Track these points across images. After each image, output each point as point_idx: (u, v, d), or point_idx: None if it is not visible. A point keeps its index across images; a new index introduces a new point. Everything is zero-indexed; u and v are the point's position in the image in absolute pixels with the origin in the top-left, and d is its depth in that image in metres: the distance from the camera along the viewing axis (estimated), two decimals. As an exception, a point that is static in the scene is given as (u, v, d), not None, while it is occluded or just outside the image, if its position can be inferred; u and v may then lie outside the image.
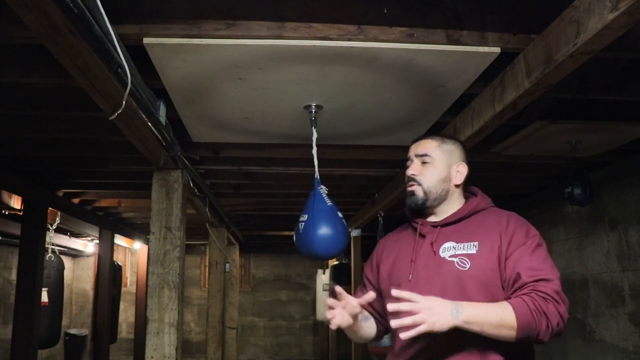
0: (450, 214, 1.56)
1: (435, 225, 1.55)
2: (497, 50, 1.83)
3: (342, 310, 1.48)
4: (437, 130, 2.82)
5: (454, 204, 1.58)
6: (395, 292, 1.33)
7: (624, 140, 2.98)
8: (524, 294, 1.33)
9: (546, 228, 4.55)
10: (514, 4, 1.80)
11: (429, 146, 1.59)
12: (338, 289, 1.48)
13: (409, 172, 1.59)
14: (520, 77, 1.86)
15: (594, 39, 1.44)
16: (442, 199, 1.56)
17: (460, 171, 1.59)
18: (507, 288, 1.39)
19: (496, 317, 1.30)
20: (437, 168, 1.57)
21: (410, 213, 1.66)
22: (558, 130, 2.71)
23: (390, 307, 1.33)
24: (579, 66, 1.65)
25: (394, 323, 1.31)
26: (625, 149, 3.26)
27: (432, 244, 1.51)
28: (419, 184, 1.56)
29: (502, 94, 2.02)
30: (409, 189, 1.58)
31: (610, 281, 3.84)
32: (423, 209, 1.57)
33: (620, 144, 3.03)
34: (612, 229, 3.82)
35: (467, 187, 1.63)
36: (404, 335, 1.29)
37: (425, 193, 1.55)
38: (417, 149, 1.61)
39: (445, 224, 1.54)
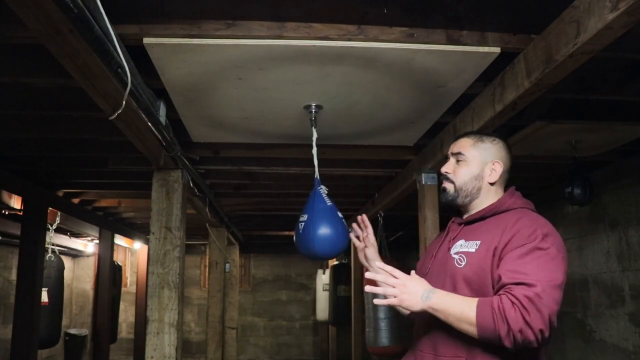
0: (473, 212, 1.59)
1: (461, 223, 1.60)
2: (497, 50, 1.83)
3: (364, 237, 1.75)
4: (437, 130, 2.82)
5: (487, 202, 1.57)
6: (378, 264, 1.51)
7: (624, 140, 2.98)
8: (498, 295, 1.31)
9: (546, 228, 4.55)
10: (514, 4, 1.80)
11: (464, 144, 1.63)
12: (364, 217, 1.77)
13: (442, 169, 1.64)
14: (520, 77, 1.86)
15: (594, 39, 1.44)
16: (473, 196, 1.59)
17: (496, 169, 1.58)
18: (494, 288, 1.38)
19: (458, 310, 1.34)
20: (469, 166, 1.59)
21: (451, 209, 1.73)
22: (558, 130, 2.71)
23: (368, 274, 1.49)
24: (579, 66, 1.64)
25: (367, 288, 1.43)
26: (625, 149, 3.26)
27: (450, 240, 1.57)
28: (451, 182, 1.61)
29: (502, 94, 2.02)
30: (442, 185, 1.64)
31: (610, 281, 3.84)
32: (454, 206, 1.63)
33: (620, 144, 3.03)
34: (612, 229, 3.82)
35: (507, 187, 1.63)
36: (376, 301, 1.45)
37: (456, 190, 1.59)
38: (453, 147, 1.66)
39: (469, 221, 1.58)
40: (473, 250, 1.46)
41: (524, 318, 1.24)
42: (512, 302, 1.26)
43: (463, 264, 1.46)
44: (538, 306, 1.25)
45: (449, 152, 1.66)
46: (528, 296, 1.26)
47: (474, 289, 1.40)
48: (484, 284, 1.39)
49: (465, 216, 1.61)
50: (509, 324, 1.25)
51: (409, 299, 1.38)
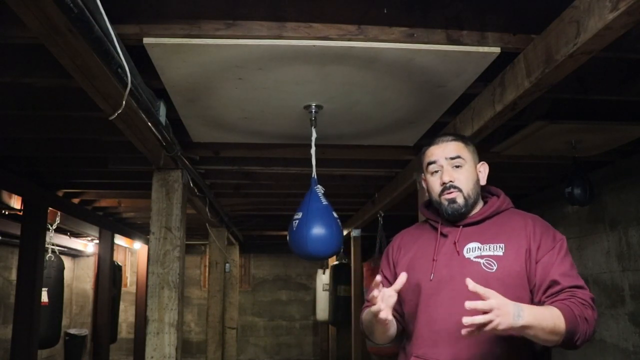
0: (471, 214, 1.53)
1: (457, 225, 1.52)
2: (497, 50, 1.83)
3: (383, 302, 1.36)
4: (437, 130, 2.82)
5: (480, 204, 1.56)
6: (472, 287, 1.24)
7: (624, 140, 2.97)
8: (564, 299, 1.33)
9: (546, 228, 4.55)
10: (514, 4, 1.80)
11: (459, 147, 1.53)
12: (378, 278, 1.36)
13: (446, 178, 1.50)
14: (520, 77, 1.86)
15: (594, 39, 1.44)
16: (476, 202, 1.53)
17: (483, 171, 1.58)
18: (537, 292, 1.39)
19: (550, 323, 1.28)
20: (470, 171, 1.53)
21: (428, 212, 1.62)
22: (558, 130, 2.71)
23: (469, 304, 1.22)
24: (579, 66, 1.64)
25: (466, 320, 1.21)
26: (625, 149, 3.25)
27: (455, 243, 1.48)
28: (460, 190, 1.49)
29: (502, 94, 2.02)
30: (449, 196, 1.49)
31: (610, 281, 3.84)
32: (463, 216, 1.51)
33: (620, 144, 3.03)
34: (612, 229, 3.82)
35: (486, 187, 1.60)
36: (465, 331, 1.22)
37: (465, 199, 1.49)
38: (445, 151, 1.53)
39: (468, 224, 1.51)
40: (500, 253, 1.42)
41: (594, 316, 1.35)
42: (583, 304, 1.34)
43: (495, 267, 1.40)
44: (596, 303, 1.38)
45: (440, 157, 1.53)
46: (591, 297, 1.37)
47: (510, 292, 1.36)
48: (520, 287, 1.40)
49: (462, 219, 1.52)
50: (589, 324, 1.33)
51: (504, 321, 1.21)
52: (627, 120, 2.67)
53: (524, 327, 1.25)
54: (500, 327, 1.21)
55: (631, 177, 3.61)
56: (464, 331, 1.23)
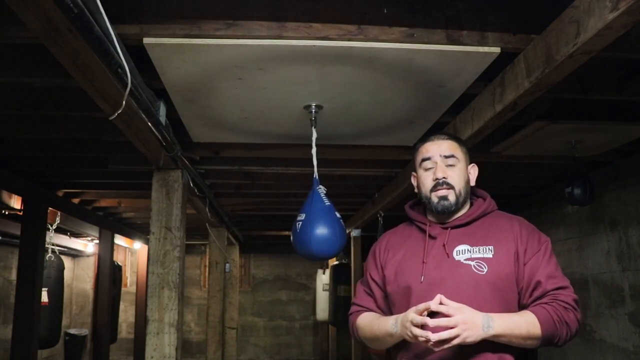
0: (459, 215, 1.54)
1: (445, 227, 1.52)
2: (497, 50, 1.83)
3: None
4: (437, 130, 2.82)
5: (468, 205, 1.57)
6: (433, 307, 1.33)
7: (624, 140, 2.98)
8: (546, 303, 1.37)
9: (546, 228, 4.55)
10: (514, 4, 1.80)
11: (453, 147, 1.55)
12: (427, 304, 1.35)
13: (439, 174, 1.51)
14: (520, 77, 1.86)
15: (594, 39, 1.44)
16: (465, 201, 1.55)
17: (473, 173, 1.60)
18: (524, 294, 1.42)
19: (524, 330, 1.33)
20: (462, 170, 1.54)
21: (414, 213, 1.63)
22: (558, 130, 2.71)
23: (432, 322, 1.31)
24: (579, 66, 1.65)
25: (433, 337, 1.29)
26: (625, 149, 3.26)
27: (444, 245, 1.48)
28: (451, 187, 1.51)
29: (502, 94, 2.02)
30: (441, 192, 1.51)
31: (610, 281, 3.84)
32: (452, 213, 1.53)
33: (620, 144, 3.03)
34: (612, 229, 3.82)
35: (472, 189, 1.61)
36: (437, 349, 1.31)
37: (456, 197, 1.51)
38: (440, 149, 1.54)
39: (456, 225, 1.52)
40: (490, 256, 1.43)
41: (577, 318, 1.39)
42: (565, 307, 1.37)
43: (485, 270, 1.41)
44: (579, 304, 1.41)
45: (435, 154, 1.54)
46: (574, 299, 1.40)
47: (498, 294, 1.41)
48: (509, 289, 1.42)
49: (449, 219, 1.53)
50: (569, 327, 1.37)
51: (471, 334, 1.30)
52: (627, 120, 2.67)
53: (495, 336, 1.32)
54: (469, 340, 1.30)
55: (631, 177, 3.61)
56: (435, 349, 1.31)
